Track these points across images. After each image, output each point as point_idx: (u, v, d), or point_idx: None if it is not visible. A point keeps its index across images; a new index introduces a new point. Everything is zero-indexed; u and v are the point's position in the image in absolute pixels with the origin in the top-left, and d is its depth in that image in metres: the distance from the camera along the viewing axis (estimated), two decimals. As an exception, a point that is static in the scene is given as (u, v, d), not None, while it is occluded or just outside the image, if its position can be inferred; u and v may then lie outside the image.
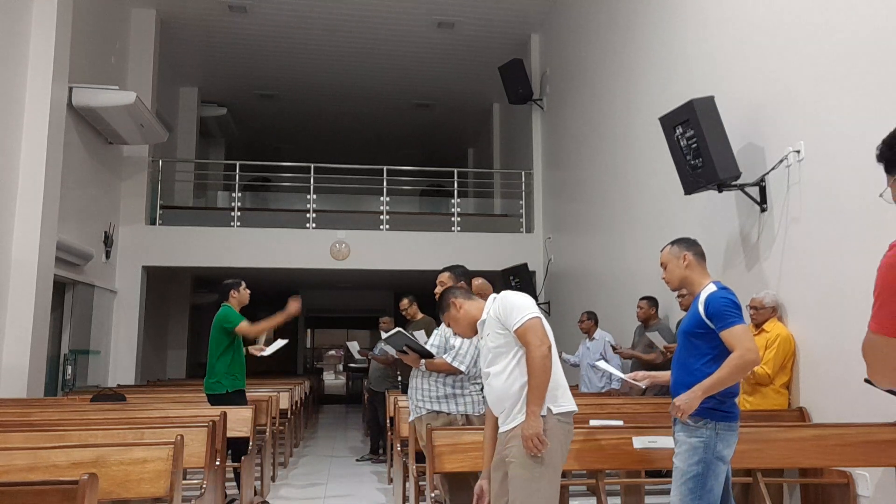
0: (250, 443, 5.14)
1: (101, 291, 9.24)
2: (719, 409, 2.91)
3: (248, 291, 5.59)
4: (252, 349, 5.73)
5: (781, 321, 4.86)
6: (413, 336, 4.08)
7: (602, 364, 3.69)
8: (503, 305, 2.91)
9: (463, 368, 3.88)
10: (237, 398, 5.39)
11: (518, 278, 9.95)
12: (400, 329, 4.13)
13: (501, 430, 2.94)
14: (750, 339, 2.89)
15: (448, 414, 3.93)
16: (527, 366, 2.81)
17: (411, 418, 4.10)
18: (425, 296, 10.33)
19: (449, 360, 3.91)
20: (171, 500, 3.38)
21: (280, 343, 5.71)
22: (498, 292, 3.11)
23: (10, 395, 6.41)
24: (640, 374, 3.33)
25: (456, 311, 3.21)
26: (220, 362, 5.36)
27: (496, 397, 2.95)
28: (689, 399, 2.88)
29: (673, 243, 3.22)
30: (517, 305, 2.87)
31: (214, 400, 5.37)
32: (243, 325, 5.30)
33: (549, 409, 2.83)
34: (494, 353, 2.93)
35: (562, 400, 2.88)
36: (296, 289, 5.46)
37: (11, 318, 6.60)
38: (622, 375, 3.40)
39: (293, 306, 5.26)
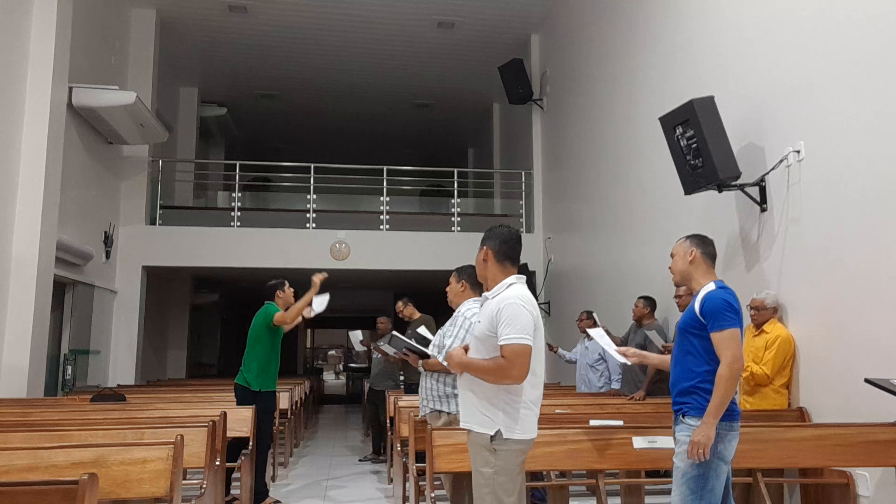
0: (250, 443, 5.15)
1: (101, 291, 9.24)
2: (719, 408, 2.90)
3: (293, 290, 5.59)
4: (306, 312, 5.67)
5: (782, 322, 4.87)
6: (414, 336, 4.14)
7: (594, 332, 3.64)
8: (503, 311, 2.73)
9: None
10: (269, 399, 5.39)
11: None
12: (395, 333, 4.22)
13: (462, 421, 2.87)
14: (736, 346, 2.87)
15: (448, 413, 3.95)
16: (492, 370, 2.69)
17: (419, 416, 4.16)
18: (425, 296, 10.34)
19: (440, 359, 3.95)
20: (171, 500, 3.38)
21: (323, 299, 5.64)
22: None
23: (10, 395, 6.40)
24: (631, 350, 3.33)
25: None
26: (256, 359, 5.36)
27: (461, 382, 2.90)
28: (705, 433, 2.82)
29: (688, 237, 3.21)
30: (515, 323, 2.69)
31: (241, 393, 5.36)
32: (278, 315, 5.32)
33: (499, 432, 2.71)
34: (476, 341, 2.86)
35: (520, 426, 2.72)
36: (295, 288, 5.48)
37: (11, 317, 6.60)
38: (614, 349, 3.38)
39: (315, 281, 5.27)
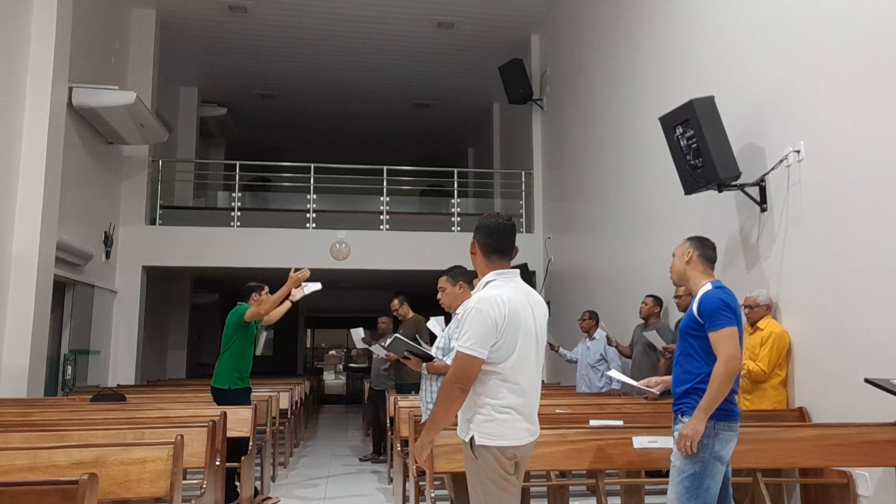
0: (250, 443, 5.15)
1: (101, 291, 9.24)
2: (719, 407, 2.90)
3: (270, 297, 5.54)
4: (293, 295, 5.57)
5: (776, 319, 4.87)
6: (418, 339, 4.13)
7: (612, 373, 3.69)
8: (464, 316, 2.60)
9: None
10: (240, 396, 5.38)
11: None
12: (398, 335, 4.18)
13: (458, 431, 2.78)
14: (733, 345, 2.88)
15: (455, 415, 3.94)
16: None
17: (422, 420, 4.14)
18: (424, 295, 10.34)
19: (448, 361, 3.93)
20: (171, 500, 3.38)
21: (314, 286, 5.57)
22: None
23: (10, 395, 6.41)
24: (654, 379, 3.31)
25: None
26: (227, 358, 5.36)
27: None
28: (694, 427, 2.85)
29: (689, 238, 3.22)
30: (470, 330, 2.55)
31: (217, 394, 5.36)
32: (250, 311, 5.29)
33: (473, 438, 2.60)
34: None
35: (495, 433, 2.58)
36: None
37: (11, 317, 6.60)
38: (633, 383, 3.37)
39: (292, 277, 5.21)
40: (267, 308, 5.25)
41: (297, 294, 5.47)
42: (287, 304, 5.60)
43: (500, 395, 2.58)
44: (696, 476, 2.87)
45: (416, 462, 2.68)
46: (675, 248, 3.24)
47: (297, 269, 5.28)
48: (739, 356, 2.90)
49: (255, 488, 5.48)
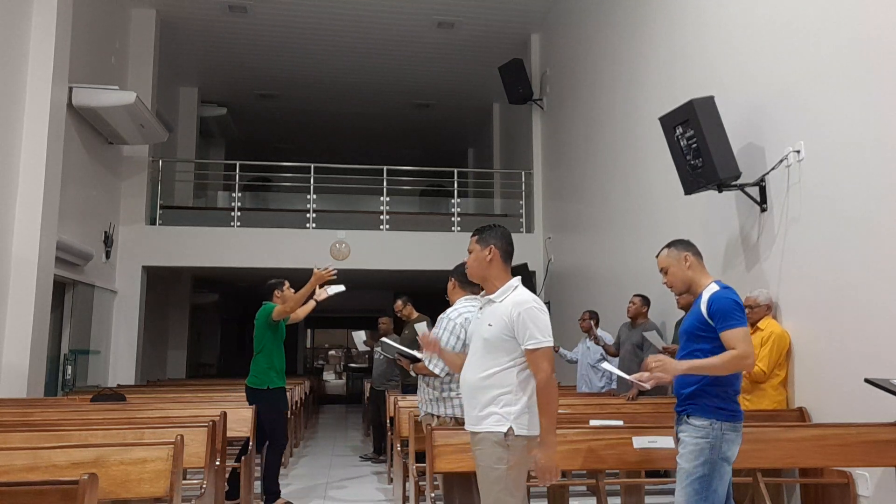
0: (251, 443, 5.15)
1: (101, 291, 9.24)
2: (725, 409, 2.90)
3: (293, 291, 5.43)
4: (317, 294, 5.52)
5: (776, 319, 4.87)
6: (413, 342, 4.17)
7: (606, 365, 3.70)
8: (524, 316, 2.81)
9: (437, 371, 3.89)
10: (277, 395, 5.36)
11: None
12: (384, 339, 4.24)
13: (467, 425, 2.92)
14: (748, 344, 2.88)
15: (438, 416, 3.95)
16: (538, 390, 2.78)
17: (419, 418, 4.19)
18: (424, 295, 10.36)
19: (426, 362, 3.95)
20: (171, 500, 3.38)
21: (338, 288, 5.54)
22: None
23: (10, 395, 6.40)
24: (646, 374, 3.30)
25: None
26: (262, 358, 5.33)
27: (468, 385, 2.92)
28: (672, 367, 2.89)
29: (669, 246, 3.19)
30: (539, 327, 2.81)
31: (253, 394, 5.33)
32: (277, 309, 5.24)
33: (511, 429, 2.79)
34: (486, 344, 2.87)
35: (529, 424, 2.83)
36: (296, 289, 5.43)
37: (11, 317, 6.60)
38: (626, 376, 3.39)
39: (317, 274, 5.16)
40: (292, 306, 5.20)
41: (320, 294, 5.46)
42: (312, 303, 5.57)
43: (530, 388, 2.83)
44: (705, 478, 2.86)
45: (548, 481, 2.79)
46: (663, 260, 3.18)
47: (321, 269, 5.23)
48: (753, 356, 2.89)
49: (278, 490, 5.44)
